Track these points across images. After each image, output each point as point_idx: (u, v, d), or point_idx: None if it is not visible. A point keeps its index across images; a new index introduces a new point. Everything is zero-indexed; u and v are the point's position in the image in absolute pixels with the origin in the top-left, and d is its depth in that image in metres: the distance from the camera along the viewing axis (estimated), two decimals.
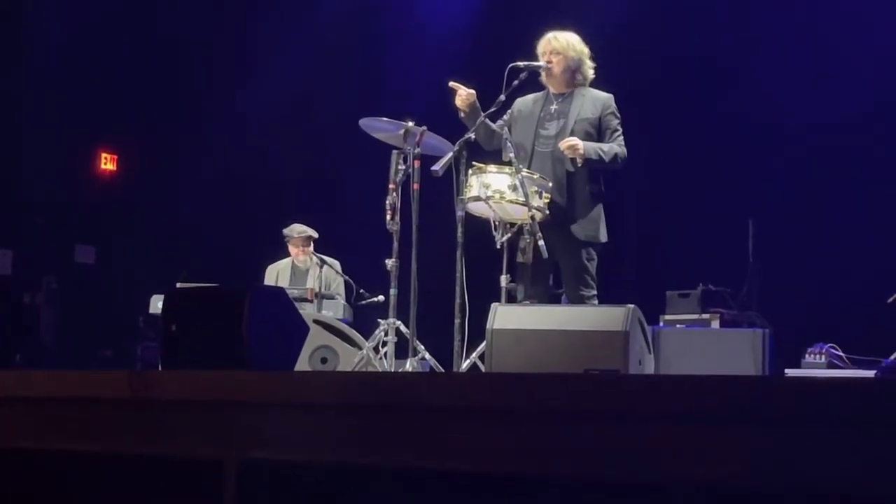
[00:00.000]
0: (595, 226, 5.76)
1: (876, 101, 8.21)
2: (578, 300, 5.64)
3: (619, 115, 5.86)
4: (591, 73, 5.92)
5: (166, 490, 3.26)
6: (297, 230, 8.32)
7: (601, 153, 5.68)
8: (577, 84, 5.89)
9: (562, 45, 5.85)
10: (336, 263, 8.08)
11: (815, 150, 8.31)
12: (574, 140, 5.64)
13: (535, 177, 5.54)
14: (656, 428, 2.47)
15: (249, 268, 8.72)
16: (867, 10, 8.33)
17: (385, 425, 2.85)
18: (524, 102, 5.95)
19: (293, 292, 6.94)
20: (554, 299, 5.94)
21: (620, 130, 5.82)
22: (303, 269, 8.37)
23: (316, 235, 8.34)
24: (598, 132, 5.80)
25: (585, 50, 5.90)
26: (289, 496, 3.06)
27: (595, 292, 5.71)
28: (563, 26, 5.96)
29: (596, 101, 5.84)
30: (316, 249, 8.26)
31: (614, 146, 5.75)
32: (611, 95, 5.88)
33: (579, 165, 5.66)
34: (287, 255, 8.48)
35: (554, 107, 5.88)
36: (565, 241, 5.70)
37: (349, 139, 7.77)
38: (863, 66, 8.27)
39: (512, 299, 5.66)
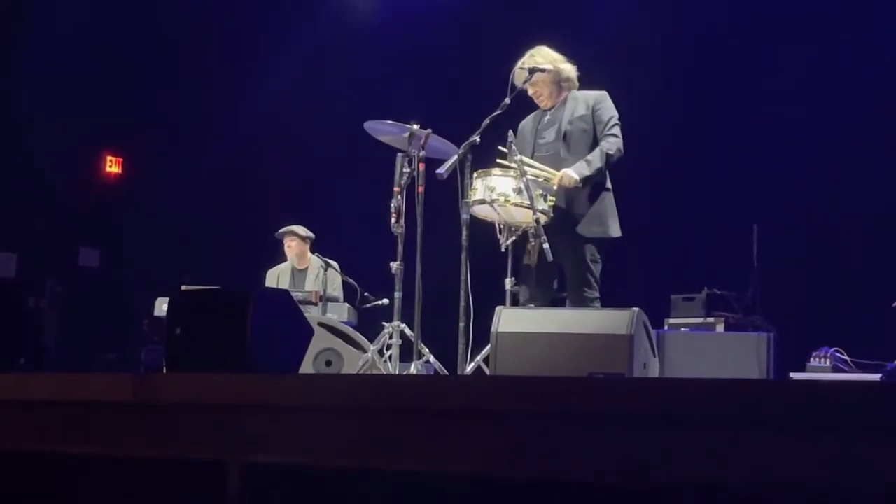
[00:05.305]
0: (602, 221, 5.73)
1: (880, 105, 8.20)
2: (581, 301, 5.63)
3: (613, 108, 5.83)
4: (574, 74, 5.90)
5: (170, 493, 3.26)
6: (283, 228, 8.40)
7: (590, 165, 5.65)
8: (565, 90, 5.90)
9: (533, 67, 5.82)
10: (335, 265, 8.06)
11: (820, 154, 8.30)
12: (560, 177, 5.58)
13: (539, 180, 5.54)
14: (662, 431, 2.47)
15: (254, 271, 8.72)
16: (870, 15, 8.32)
17: (389, 428, 2.84)
18: (525, 121, 6.01)
19: (298, 295, 6.93)
20: (557, 302, 5.93)
21: (612, 123, 5.79)
22: (302, 271, 8.38)
23: (304, 232, 8.35)
24: (592, 128, 5.79)
25: (557, 56, 5.90)
26: (293, 499, 3.06)
27: (598, 294, 5.69)
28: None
29: (587, 98, 5.87)
30: (317, 251, 8.26)
31: (599, 150, 5.71)
32: (603, 92, 5.88)
33: (581, 187, 5.64)
34: (286, 258, 8.49)
35: (548, 117, 5.93)
36: (570, 242, 5.69)
37: (353, 142, 7.76)
38: (866, 70, 8.26)
39: (516, 302, 5.65)
